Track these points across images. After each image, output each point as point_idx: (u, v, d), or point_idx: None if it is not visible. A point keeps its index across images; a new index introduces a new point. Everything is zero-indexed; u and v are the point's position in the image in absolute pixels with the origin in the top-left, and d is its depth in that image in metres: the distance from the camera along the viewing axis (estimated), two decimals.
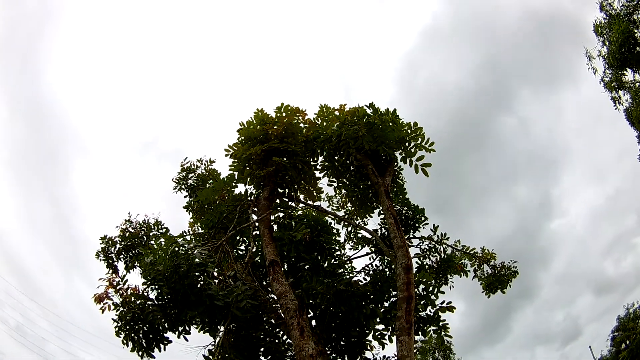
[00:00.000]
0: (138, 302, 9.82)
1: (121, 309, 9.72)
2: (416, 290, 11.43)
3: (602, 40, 23.20)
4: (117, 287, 10.36)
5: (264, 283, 11.82)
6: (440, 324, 11.82)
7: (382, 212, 12.60)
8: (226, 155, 12.38)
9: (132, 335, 9.64)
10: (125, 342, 9.67)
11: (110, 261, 14.54)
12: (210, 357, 10.13)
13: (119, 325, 9.63)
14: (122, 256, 14.58)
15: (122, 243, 14.56)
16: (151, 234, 14.72)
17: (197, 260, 9.83)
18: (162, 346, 9.95)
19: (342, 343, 11.77)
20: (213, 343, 10.41)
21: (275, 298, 10.68)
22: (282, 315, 10.32)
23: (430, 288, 11.82)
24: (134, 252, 14.45)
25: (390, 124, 12.07)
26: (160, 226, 14.91)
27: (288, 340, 11.09)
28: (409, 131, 12.27)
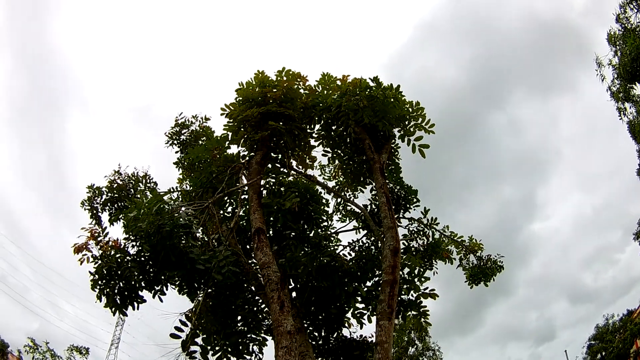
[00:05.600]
0: (117, 256, 9.48)
1: (99, 262, 9.39)
2: (400, 273, 11.24)
3: (614, 50, 23.41)
4: (98, 239, 10.04)
5: (247, 247, 11.59)
6: (421, 309, 11.65)
7: (374, 188, 12.34)
8: (222, 115, 11.95)
9: (107, 290, 9.34)
10: (99, 296, 9.37)
11: (95, 211, 14.22)
12: (187, 322, 9.93)
13: (94, 278, 9.32)
14: (107, 207, 14.24)
15: (109, 194, 14.23)
16: (139, 187, 14.42)
17: (181, 221, 9.54)
18: (135, 304, 9.65)
19: (320, 318, 11.64)
20: (189, 311, 10.17)
21: (258, 267, 10.46)
22: (264, 285, 10.11)
23: (416, 272, 11.64)
24: (119, 204, 14.10)
25: (392, 99, 11.68)
26: (148, 180, 14.61)
27: (267, 308, 10.92)
28: (410, 109, 11.92)
